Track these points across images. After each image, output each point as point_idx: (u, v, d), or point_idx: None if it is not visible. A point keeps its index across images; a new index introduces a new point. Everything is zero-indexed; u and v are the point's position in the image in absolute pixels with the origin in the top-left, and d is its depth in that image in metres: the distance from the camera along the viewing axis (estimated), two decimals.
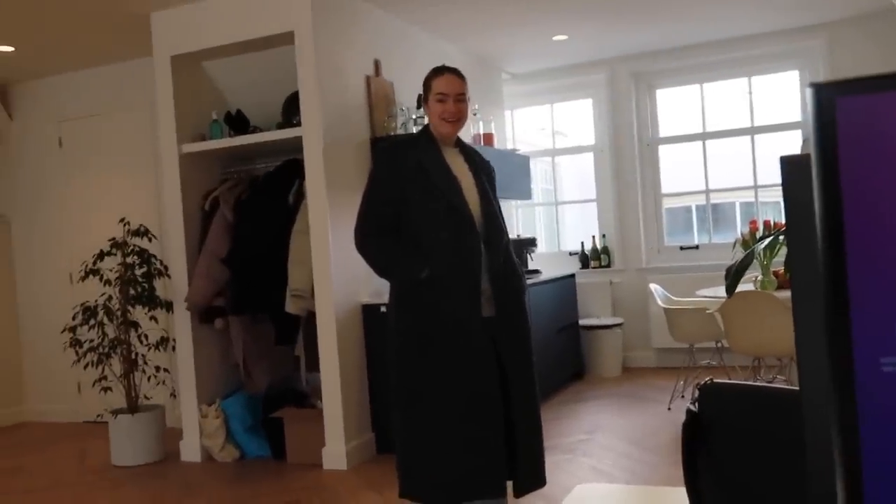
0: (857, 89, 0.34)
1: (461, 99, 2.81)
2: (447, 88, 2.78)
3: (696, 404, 1.13)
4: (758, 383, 1.08)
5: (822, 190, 0.36)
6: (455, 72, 2.86)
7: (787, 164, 0.77)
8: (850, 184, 0.35)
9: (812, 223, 0.77)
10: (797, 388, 0.99)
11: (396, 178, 2.72)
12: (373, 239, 2.74)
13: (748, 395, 1.06)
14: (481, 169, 2.88)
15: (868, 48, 6.11)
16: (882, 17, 5.85)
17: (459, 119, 2.82)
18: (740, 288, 4.43)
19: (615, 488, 1.36)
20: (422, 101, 2.93)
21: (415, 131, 4.95)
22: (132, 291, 4.90)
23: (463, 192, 2.74)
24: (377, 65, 5.01)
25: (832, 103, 0.34)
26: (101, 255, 4.89)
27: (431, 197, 2.69)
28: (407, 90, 5.14)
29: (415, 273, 2.67)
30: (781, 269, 4.70)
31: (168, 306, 4.93)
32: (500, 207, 2.87)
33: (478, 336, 2.66)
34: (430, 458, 2.67)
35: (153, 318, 4.96)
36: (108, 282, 4.89)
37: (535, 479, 2.77)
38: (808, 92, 0.36)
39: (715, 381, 1.12)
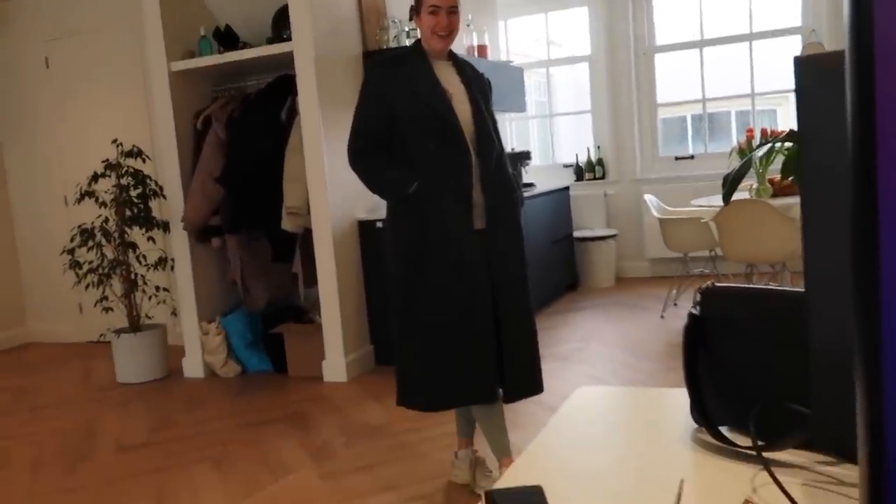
0: None
1: (454, 11, 2.75)
2: (440, 1, 2.73)
3: (698, 307, 1.15)
4: (757, 286, 1.09)
5: (856, 77, 0.36)
6: None
7: (802, 63, 0.77)
8: (886, 70, 0.36)
9: (826, 123, 0.77)
10: (797, 289, 1.01)
11: (386, 94, 2.71)
12: (363, 156, 2.74)
13: (748, 297, 1.08)
14: (474, 82, 2.85)
15: None
16: None
17: (452, 32, 2.77)
18: (736, 196, 4.45)
19: (615, 390, 1.40)
20: (413, 14, 2.86)
21: (407, 44, 4.87)
22: (128, 213, 4.89)
23: (453, 105, 2.72)
24: None
25: None
26: (95, 177, 4.86)
27: (420, 111, 2.68)
28: (399, 2, 5.02)
29: (403, 188, 2.68)
30: (777, 176, 4.71)
31: (165, 226, 4.93)
32: (494, 120, 2.85)
33: (469, 248, 2.69)
34: (424, 367, 2.74)
35: (150, 238, 4.97)
36: (103, 203, 4.88)
37: (529, 386, 2.84)
38: None
39: (716, 284, 1.14)
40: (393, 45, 4.80)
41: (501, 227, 2.78)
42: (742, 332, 1.06)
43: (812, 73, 0.80)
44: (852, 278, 0.38)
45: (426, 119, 2.68)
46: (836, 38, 6.17)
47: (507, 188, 2.81)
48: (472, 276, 2.70)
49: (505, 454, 2.81)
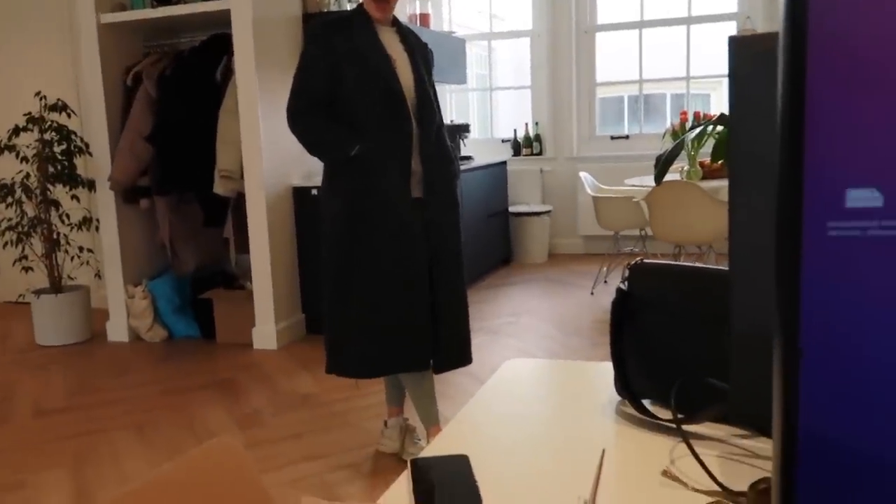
0: None
1: None
2: None
3: (626, 283, 1.17)
4: (684, 263, 1.12)
5: (788, 50, 0.36)
6: None
7: (736, 42, 0.78)
8: (818, 47, 0.36)
9: (757, 103, 0.79)
10: (722, 268, 1.04)
11: (330, 57, 2.66)
12: (304, 116, 2.70)
13: (675, 275, 1.10)
14: (417, 50, 2.82)
15: None
16: None
17: (391, 1, 2.73)
18: (667, 178, 4.55)
19: (543, 363, 1.42)
20: None
21: (348, 8, 4.79)
22: (51, 169, 4.70)
23: (397, 72, 2.69)
24: None
25: None
26: (16, 131, 4.65)
27: (365, 77, 2.64)
28: None
29: (345, 150, 2.65)
30: (707, 160, 4.82)
31: (90, 185, 4.77)
32: (435, 90, 2.83)
33: (407, 216, 2.69)
34: (357, 334, 2.73)
35: (75, 197, 4.80)
36: (24, 159, 4.68)
37: (459, 357, 2.86)
38: None
39: (645, 260, 1.15)
40: (334, 8, 4.71)
41: (439, 198, 2.78)
42: (667, 308, 1.08)
43: (745, 52, 0.82)
44: (775, 258, 0.39)
45: (370, 85, 2.64)
46: (771, 25, 6.32)
47: (445, 159, 2.80)
48: (409, 245, 2.69)
49: (433, 423, 2.84)
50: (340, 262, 2.73)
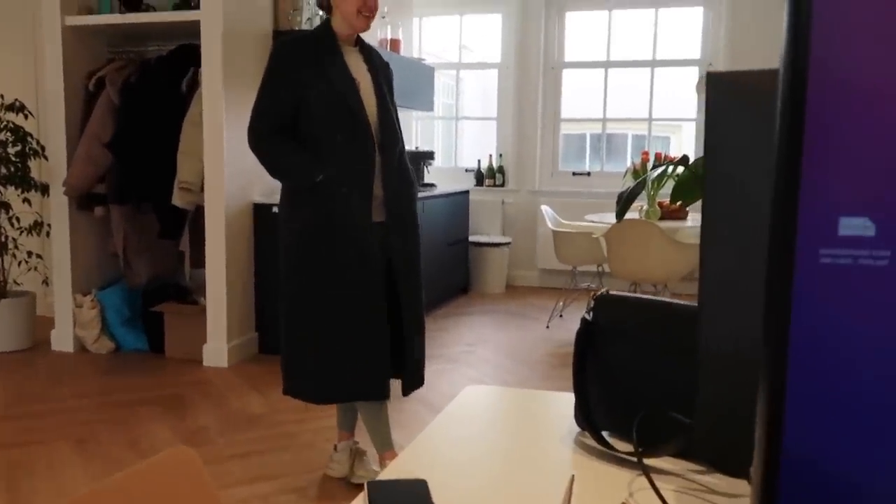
0: None
1: None
2: None
3: (591, 313, 1.16)
4: (650, 297, 1.12)
5: (788, 84, 0.36)
6: None
7: (713, 78, 0.79)
8: (818, 81, 0.36)
9: (732, 136, 0.79)
10: (689, 303, 1.04)
11: (295, 76, 2.62)
12: (267, 138, 2.65)
13: (640, 307, 1.10)
14: (381, 70, 2.81)
15: None
16: None
17: (375, 14, 2.73)
18: (626, 216, 4.60)
19: (503, 391, 1.41)
20: None
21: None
22: (4, 170, 4.58)
23: (361, 95, 2.68)
24: None
25: None
26: None
27: (330, 99, 2.61)
28: None
29: (309, 176, 2.62)
30: (667, 200, 4.89)
31: (44, 189, 4.65)
32: (396, 111, 2.82)
33: (367, 241, 2.66)
34: (317, 358, 2.69)
35: (26, 200, 4.68)
36: None
37: (418, 379, 2.84)
38: None
39: (610, 292, 1.15)
40: (305, 26, 4.70)
41: (400, 221, 2.77)
42: (631, 340, 1.08)
43: (722, 88, 0.83)
44: (766, 281, 0.39)
45: (335, 108, 2.61)
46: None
47: (406, 183, 2.80)
48: (371, 270, 2.66)
49: (388, 448, 2.80)
50: (299, 284, 2.69)
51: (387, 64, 2.88)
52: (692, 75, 6.77)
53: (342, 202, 2.63)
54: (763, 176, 0.73)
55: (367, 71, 2.75)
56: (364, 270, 2.66)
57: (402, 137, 2.81)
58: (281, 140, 2.65)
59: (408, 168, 2.83)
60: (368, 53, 2.81)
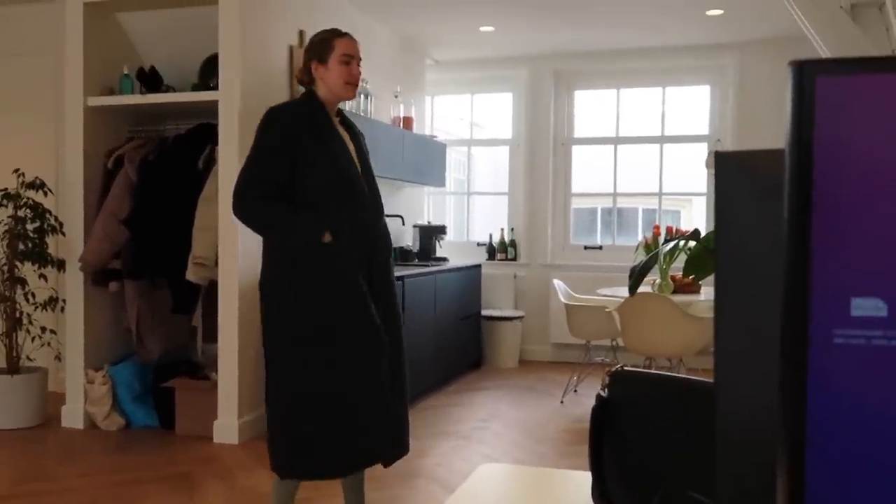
0: (838, 70, 0.35)
1: (359, 61, 2.77)
2: (353, 50, 2.72)
3: (606, 389, 1.15)
4: (666, 373, 1.11)
5: (795, 165, 0.37)
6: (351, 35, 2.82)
7: (721, 157, 0.80)
8: (823, 162, 0.37)
9: (740, 213, 0.80)
10: (705, 379, 1.03)
11: (289, 142, 2.61)
12: (257, 201, 2.61)
13: (656, 383, 1.10)
14: (360, 139, 2.85)
15: (777, 70, 6.41)
16: (793, 41, 6.14)
17: (358, 85, 2.78)
18: (639, 290, 4.59)
19: (518, 469, 1.38)
20: (312, 64, 2.73)
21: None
22: (21, 246, 4.64)
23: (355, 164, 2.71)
24: (302, 36, 4.91)
25: (812, 82, 0.36)
26: None
27: (327, 167, 2.62)
28: None
29: (316, 232, 2.58)
30: (679, 274, 4.89)
31: (60, 265, 4.70)
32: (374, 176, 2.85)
33: (366, 308, 2.63)
34: (316, 432, 2.62)
35: (42, 276, 4.72)
36: None
37: (403, 446, 2.79)
38: (789, 70, 0.38)
39: (626, 367, 1.15)
40: None
41: (385, 287, 2.78)
42: (648, 416, 1.06)
43: (730, 167, 0.84)
44: (781, 362, 0.39)
45: (334, 177, 2.63)
46: (739, 147, 6.55)
47: (389, 246, 2.83)
48: (371, 338, 2.63)
49: None
50: (298, 355, 2.62)
51: (362, 134, 2.91)
52: (701, 150, 6.84)
53: (339, 269, 2.61)
54: (774, 254, 0.74)
55: (349, 139, 2.78)
56: (367, 339, 2.63)
57: (382, 205, 2.83)
58: (275, 201, 2.62)
59: (388, 233, 2.85)
60: (348, 122, 2.85)
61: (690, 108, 6.96)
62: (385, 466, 2.75)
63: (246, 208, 2.63)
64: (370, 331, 2.64)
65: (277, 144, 2.63)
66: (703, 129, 6.85)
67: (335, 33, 2.77)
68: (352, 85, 2.72)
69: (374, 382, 2.64)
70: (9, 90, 5.75)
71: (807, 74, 0.36)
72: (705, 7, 5.59)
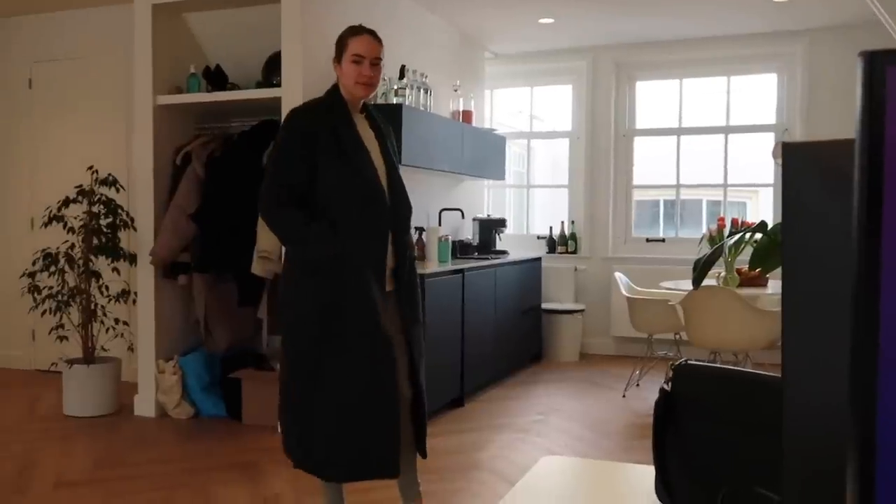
0: None
1: (377, 62, 2.72)
2: (364, 50, 2.69)
3: (670, 383, 1.15)
4: (732, 367, 1.09)
5: (866, 159, 0.37)
6: (373, 33, 2.76)
7: (789, 148, 0.79)
8: (895, 154, 0.36)
9: (808, 207, 0.79)
10: (771, 374, 1.02)
11: (309, 145, 2.62)
12: (283, 208, 2.63)
13: (721, 378, 1.08)
14: (386, 134, 2.83)
15: (847, 56, 6.21)
16: (862, 27, 5.95)
17: (373, 84, 2.74)
18: (703, 283, 4.52)
19: (580, 462, 1.38)
20: (334, 61, 2.75)
21: (395, 101, 4.94)
22: (96, 241, 4.81)
23: (373, 162, 2.69)
24: None
25: (882, 73, 0.35)
26: (66, 202, 4.80)
27: (344, 169, 2.62)
28: (391, 60, 5.09)
29: (325, 250, 2.60)
30: (745, 267, 4.79)
31: (132, 259, 4.86)
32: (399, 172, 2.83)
33: (385, 312, 2.65)
34: (330, 435, 2.64)
35: (115, 269, 4.89)
36: (71, 229, 4.81)
37: (423, 451, 2.80)
38: (859, 61, 0.37)
39: (689, 361, 1.14)
40: (381, 101, 4.86)
41: (410, 289, 2.79)
42: (713, 411, 1.05)
43: (798, 159, 0.82)
44: (850, 370, 0.39)
45: (350, 180, 2.63)
46: (808, 137, 6.37)
47: (412, 249, 2.83)
48: (386, 342, 2.63)
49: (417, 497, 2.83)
50: (311, 355, 2.64)
51: (388, 125, 2.90)
52: (768, 140, 6.68)
53: (356, 274, 2.61)
54: (844, 247, 0.72)
55: (374, 137, 2.77)
56: (380, 342, 2.62)
57: (410, 203, 2.81)
58: (296, 210, 2.63)
59: (411, 233, 2.85)
60: (373, 117, 2.84)
61: (756, 96, 6.79)
62: (423, 457, 2.78)
63: (268, 214, 2.68)
64: (377, 343, 2.62)
65: (297, 146, 2.64)
66: (770, 119, 6.68)
67: (351, 31, 2.75)
68: (361, 84, 2.69)
69: (376, 396, 2.62)
70: (83, 91, 5.96)
71: (877, 65, 0.35)
72: None
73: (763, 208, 7.28)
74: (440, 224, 5.89)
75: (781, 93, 6.61)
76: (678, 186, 6.97)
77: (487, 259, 5.83)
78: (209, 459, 3.99)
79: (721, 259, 4.85)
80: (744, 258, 4.85)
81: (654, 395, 1.12)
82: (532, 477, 1.25)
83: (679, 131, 6.93)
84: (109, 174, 4.90)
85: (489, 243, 6.48)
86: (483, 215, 6.90)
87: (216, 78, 4.82)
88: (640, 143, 7.10)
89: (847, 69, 6.19)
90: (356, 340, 2.61)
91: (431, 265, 5.01)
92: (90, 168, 4.89)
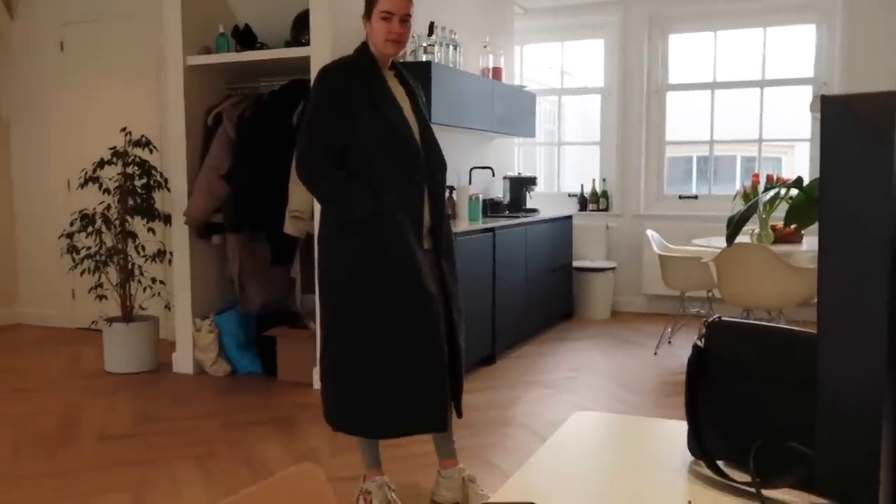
0: None
1: (406, 19, 2.70)
2: (393, 7, 2.66)
3: (703, 339, 1.15)
4: (765, 323, 1.09)
5: None
6: None
7: (829, 102, 0.78)
8: None
9: (848, 162, 0.78)
10: (805, 329, 1.01)
11: (343, 103, 2.62)
12: (320, 167, 2.64)
13: (754, 334, 1.08)
14: (416, 91, 2.82)
15: (887, 7, 6.02)
16: None
17: (403, 41, 2.72)
18: (737, 240, 4.47)
19: (612, 417, 1.39)
20: (364, 18, 2.73)
21: (423, 59, 4.90)
22: (131, 202, 4.89)
23: (406, 118, 2.69)
24: None
25: None
26: (101, 164, 4.86)
27: (379, 128, 2.62)
28: (419, 17, 5.04)
29: (365, 206, 2.60)
30: (779, 223, 4.72)
31: (166, 219, 4.93)
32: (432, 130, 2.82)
33: (426, 268, 2.65)
34: (376, 392, 2.66)
35: (151, 229, 4.97)
36: (107, 191, 4.88)
37: (442, 423, 2.75)
38: None
39: (723, 318, 1.14)
40: (410, 59, 4.83)
41: (448, 245, 2.80)
42: (746, 368, 1.06)
43: (837, 112, 0.81)
44: (888, 314, 0.39)
45: (384, 135, 2.63)
46: (847, 90, 6.21)
47: (445, 206, 2.83)
48: (430, 297, 2.64)
49: (450, 455, 2.89)
50: (357, 316, 2.65)
51: (418, 83, 2.88)
52: (805, 94, 6.53)
53: (396, 229, 2.62)
54: (883, 202, 0.72)
55: (405, 94, 2.76)
56: (424, 298, 2.63)
57: (445, 161, 2.81)
58: (333, 169, 2.63)
59: (445, 192, 2.84)
60: (403, 75, 2.82)
61: (793, 48, 6.62)
62: (460, 416, 2.81)
63: (305, 173, 2.67)
64: (421, 299, 2.63)
65: (331, 104, 2.64)
66: (808, 72, 6.52)
67: None
68: (391, 42, 2.68)
69: (423, 351, 2.65)
70: (113, 53, 5.99)
71: None
72: None
73: (799, 164, 7.15)
74: (470, 182, 5.88)
75: (820, 45, 6.43)
76: (711, 142, 6.86)
77: (518, 217, 5.82)
78: (246, 415, 4.09)
79: (755, 216, 4.79)
80: (778, 214, 4.79)
81: (686, 353, 1.13)
82: (564, 432, 1.26)
83: (713, 86, 6.80)
84: (143, 136, 4.95)
85: (520, 201, 6.46)
86: (513, 173, 6.87)
87: (245, 37, 4.82)
88: (672, 98, 6.98)
89: (887, 20, 6.01)
90: (399, 297, 2.63)
91: (462, 224, 5.02)
92: (123, 129, 4.94)
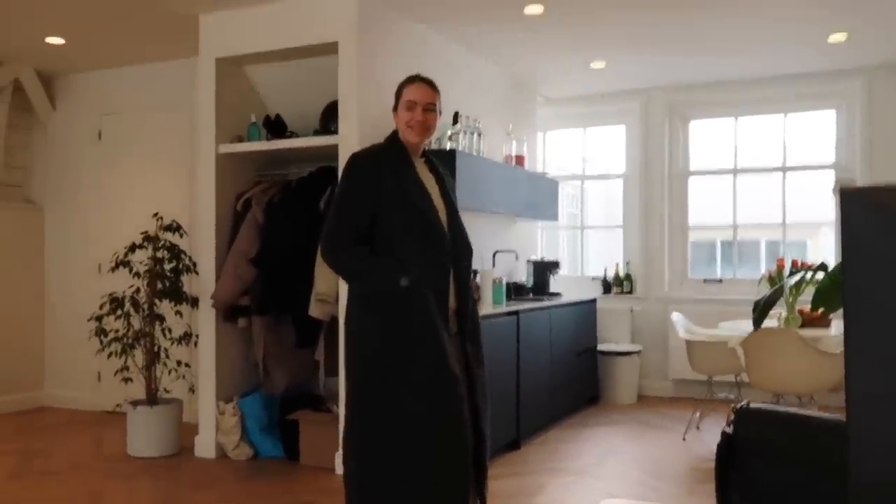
0: None
1: (430, 108, 2.79)
2: (416, 96, 2.77)
3: (731, 426, 1.15)
4: (794, 409, 1.09)
5: None
6: (428, 82, 2.85)
7: (847, 194, 0.81)
8: None
9: (869, 250, 0.80)
10: (835, 416, 1.01)
11: (372, 190, 2.68)
12: (346, 248, 2.69)
13: (784, 420, 1.08)
14: (446, 178, 2.88)
15: None
16: None
17: (426, 129, 2.80)
18: (764, 325, 4.43)
19: None
20: (392, 110, 2.87)
21: (448, 146, 5.02)
22: (160, 285, 4.96)
23: (434, 205, 2.74)
24: None
25: None
26: (132, 248, 4.97)
27: (408, 216, 2.67)
28: (444, 106, 5.18)
29: (394, 278, 2.62)
30: (806, 307, 4.68)
31: (194, 302, 4.99)
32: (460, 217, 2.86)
33: (453, 353, 2.65)
34: (396, 476, 2.62)
35: (178, 312, 5.02)
36: (136, 274, 4.97)
37: (483, 496, 2.78)
38: None
39: (751, 403, 1.14)
40: (434, 146, 4.94)
41: (474, 330, 2.81)
42: (776, 454, 1.05)
43: (857, 203, 0.83)
44: None
45: (413, 224, 2.67)
46: (869, 177, 6.25)
47: (472, 292, 2.85)
48: (454, 379, 2.63)
49: None
50: (385, 396, 2.63)
51: (448, 172, 2.95)
52: (827, 177, 6.56)
53: (422, 305, 2.62)
54: None
55: (434, 182, 2.83)
56: (448, 379, 2.61)
57: (471, 246, 2.84)
58: (359, 247, 2.69)
59: (472, 277, 2.86)
60: (432, 162, 2.90)
61: (814, 134, 6.70)
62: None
63: (330, 253, 2.72)
64: (446, 379, 2.61)
65: (359, 190, 2.70)
66: (829, 157, 6.57)
67: (407, 80, 2.86)
68: (412, 129, 2.77)
69: (447, 433, 2.62)
70: (148, 141, 6.19)
71: None
72: (827, 33, 5.40)
73: (825, 247, 7.12)
74: (494, 266, 5.91)
75: (840, 130, 6.50)
76: (735, 227, 6.88)
77: (542, 301, 5.82)
78: (268, 500, 4.03)
79: (782, 299, 4.76)
80: (805, 298, 4.76)
81: (715, 438, 1.13)
82: None
83: (735, 171, 6.87)
84: (173, 220, 5.07)
85: (543, 285, 6.47)
86: (537, 257, 6.91)
87: (276, 127, 4.97)
88: (695, 181, 7.05)
89: None
90: (424, 375, 2.61)
91: (486, 307, 5.02)
92: (155, 215, 5.07)
